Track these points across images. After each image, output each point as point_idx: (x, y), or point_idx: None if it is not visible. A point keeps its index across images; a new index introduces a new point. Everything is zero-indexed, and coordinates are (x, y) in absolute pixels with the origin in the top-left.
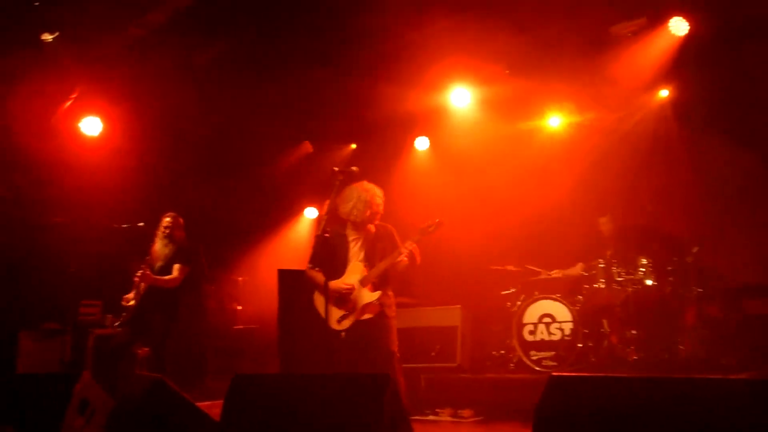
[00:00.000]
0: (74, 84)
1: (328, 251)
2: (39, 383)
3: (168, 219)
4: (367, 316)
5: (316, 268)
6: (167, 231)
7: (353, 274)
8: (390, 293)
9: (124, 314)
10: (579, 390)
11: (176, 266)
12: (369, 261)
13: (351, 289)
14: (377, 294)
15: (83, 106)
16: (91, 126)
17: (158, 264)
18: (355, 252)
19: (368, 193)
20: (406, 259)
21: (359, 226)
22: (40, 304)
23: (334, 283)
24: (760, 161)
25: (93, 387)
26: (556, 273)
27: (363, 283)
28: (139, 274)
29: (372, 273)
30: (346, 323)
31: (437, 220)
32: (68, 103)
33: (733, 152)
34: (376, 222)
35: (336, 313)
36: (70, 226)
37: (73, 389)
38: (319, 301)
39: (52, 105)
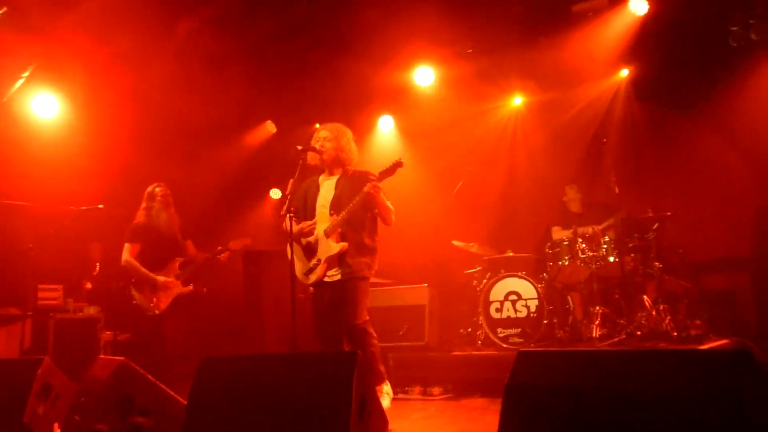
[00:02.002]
0: (26, 62)
1: (301, 199)
2: (1, 369)
3: (161, 188)
4: (333, 275)
5: (289, 215)
6: (169, 198)
7: (320, 223)
8: (364, 249)
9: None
10: (547, 364)
11: (190, 242)
12: (335, 207)
13: (311, 231)
14: (339, 246)
15: (37, 84)
16: (46, 105)
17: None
18: (323, 198)
19: (339, 131)
20: (371, 191)
21: (332, 168)
22: None
23: (299, 226)
24: (718, 137)
25: (55, 372)
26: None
27: (327, 232)
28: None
29: (336, 220)
30: (312, 277)
31: (397, 160)
32: (21, 81)
33: (692, 129)
34: (350, 167)
35: (304, 265)
36: (27, 209)
37: (35, 375)
38: (291, 251)
39: (4, 83)
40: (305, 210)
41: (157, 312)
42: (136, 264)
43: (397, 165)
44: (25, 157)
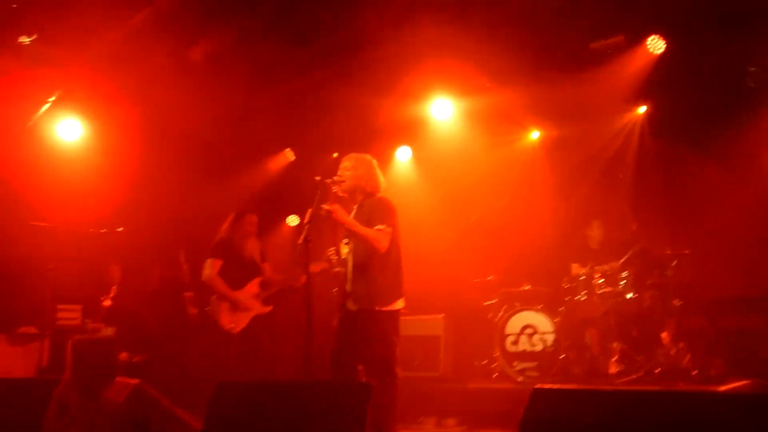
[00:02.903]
0: (53, 87)
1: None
2: (17, 388)
3: (251, 215)
4: (350, 305)
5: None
6: (255, 227)
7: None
8: (375, 279)
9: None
10: (563, 403)
11: (267, 264)
12: (348, 236)
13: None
14: (349, 273)
15: (62, 109)
16: (70, 129)
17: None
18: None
19: (359, 161)
20: (323, 212)
21: (354, 198)
22: (17, 308)
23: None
24: (736, 176)
25: (72, 392)
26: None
27: (344, 264)
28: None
29: (345, 250)
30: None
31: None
32: (46, 106)
33: (710, 167)
34: (368, 194)
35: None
36: (47, 230)
37: (52, 394)
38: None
39: (30, 108)
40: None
41: (234, 331)
42: (219, 280)
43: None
44: (49, 180)
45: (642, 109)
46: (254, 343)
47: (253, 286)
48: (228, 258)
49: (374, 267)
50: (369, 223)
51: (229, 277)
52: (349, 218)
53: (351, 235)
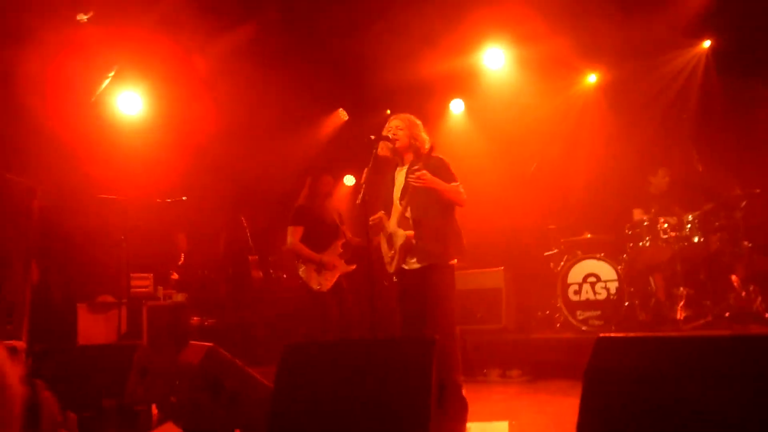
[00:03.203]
0: (111, 62)
1: (383, 195)
2: (100, 354)
3: (326, 176)
4: (412, 263)
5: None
6: (332, 188)
7: (393, 215)
8: (439, 234)
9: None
10: (628, 351)
11: (346, 227)
12: (402, 196)
13: (381, 224)
14: (405, 234)
15: (122, 84)
16: (131, 103)
17: (333, 219)
18: (397, 189)
19: (410, 121)
20: (414, 182)
21: (405, 158)
22: (93, 279)
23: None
24: None
25: (151, 356)
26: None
27: (398, 222)
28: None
29: (401, 208)
30: (393, 266)
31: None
32: (107, 81)
33: None
34: (425, 154)
35: (386, 255)
36: (116, 203)
37: (133, 358)
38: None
39: (92, 83)
40: (386, 205)
41: (324, 290)
42: (301, 246)
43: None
44: (114, 153)
45: (706, 44)
46: (340, 300)
47: (336, 247)
48: (308, 223)
49: (445, 223)
50: (447, 179)
51: (312, 241)
52: (439, 180)
53: (431, 194)
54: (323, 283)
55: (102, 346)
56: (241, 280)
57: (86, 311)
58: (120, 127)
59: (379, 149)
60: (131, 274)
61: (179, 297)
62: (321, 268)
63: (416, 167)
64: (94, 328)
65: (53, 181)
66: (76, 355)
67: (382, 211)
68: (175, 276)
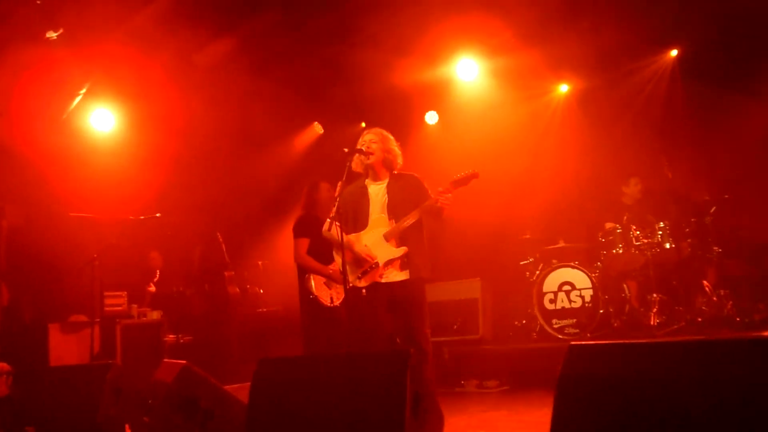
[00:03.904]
0: (83, 79)
1: (348, 206)
2: (72, 375)
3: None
4: (393, 276)
5: (335, 223)
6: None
7: (377, 227)
8: (424, 250)
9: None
10: (600, 357)
11: None
12: (393, 212)
13: (367, 257)
14: (402, 250)
15: (94, 101)
16: (103, 120)
17: None
18: (376, 203)
19: (383, 135)
20: (438, 203)
21: (378, 172)
22: (66, 298)
23: (350, 238)
24: None
25: (124, 375)
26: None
27: (387, 237)
28: None
29: (401, 225)
30: (365, 280)
31: (472, 171)
32: (79, 98)
33: (748, 107)
34: (398, 170)
35: (355, 270)
36: (88, 220)
37: (105, 378)
38: (337, 259)
39: (64, 100)
40: (355, 217)
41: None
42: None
43: (473, 176)
44: (86, 170)
45: (673, 53)
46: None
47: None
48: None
49: (422, 238)
50: (419, 199)
51: (318, 253)
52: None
53: (429, 214)
54: (335, 297)
55: (74, 366)
56: (217, 297)
57: (58, 331)
58: (93, 144)
59: (353, 163)
60: (105, 293)
61: (154, 315)
62: (331, 281)
63: (441, 189)
64: (66, 348)
65: (22, 199)
66: (48, 376)
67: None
68: (152, 288)
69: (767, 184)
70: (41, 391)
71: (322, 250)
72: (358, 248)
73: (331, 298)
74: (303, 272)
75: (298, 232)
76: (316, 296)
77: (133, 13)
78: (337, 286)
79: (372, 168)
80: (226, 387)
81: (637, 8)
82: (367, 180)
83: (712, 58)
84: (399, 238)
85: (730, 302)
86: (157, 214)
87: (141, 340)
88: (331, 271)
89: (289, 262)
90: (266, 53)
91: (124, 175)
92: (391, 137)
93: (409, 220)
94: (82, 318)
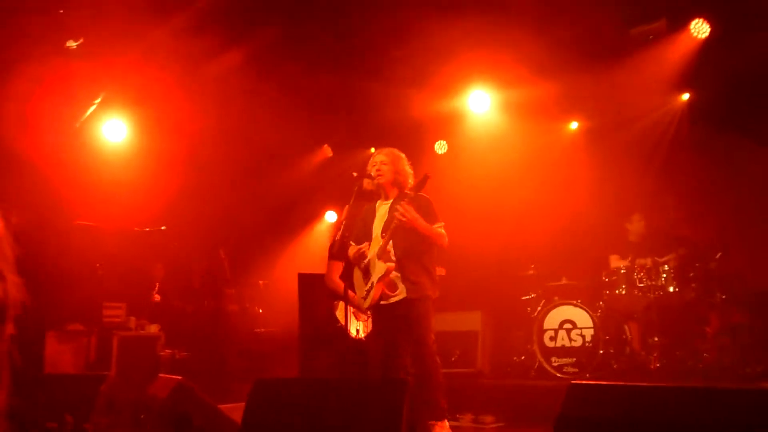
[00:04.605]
0: (98, 89)
1: (360, 226)
2: (66, 383)
3: None
4: (389, 297)
5: (345, 240)
6: None
7: (374, 246)
8: (423, 268)
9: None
10: (599, 398)
11: None
12: (385, 229)
13: (363, 255)
14: (386, 266)
15: (107, 111)
16: (116, 130)
17: None
18: (378, 221)
19: (394, 155)
20: (400, 216)
21: (388, 192)
22: (65, 306)
23: (353, 250)
24: None
25: (118, 388)
26: None
27: (378, 255)
28: None
29: (383, 242)
30: (368, 302)
31: (423, 175)
32: (92, 108)
33: (757, 154)
34: (407, 191)
35: (360, 291)
36: (93, 229)
37: (99, 390)
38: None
39: (77, 110)
40: (364, 236)
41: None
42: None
43: (425, 179)
44: (95, 180)
45: (685, 97)
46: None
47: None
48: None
49: (428, 258)
50: (428, 216)
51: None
52: (424, 222)
53: (416, 234)
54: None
55: (69, 375)
56: (216, 314)
57: (55, 339)
58: (104, 154)
59: (364, 183)
60: (104, 303)
61: (152, 328)
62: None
63: (403, 201)
64: (62, 356)
65: (29, 206)
66: (42, 383)
67: (367, 243)
68: (157, 298)
69: None
70: (34, 398)
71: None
72: (353, 252)
73: (357, 330)
74: (333, 297)
75: (332, 254)
76: (342, 326)
77: (150, 25)
78: (366, 316)
79: (383, 188)
80: (220, 406)
81: (651, 54)
82: (378, 201)
83: (723, 104)
84: (395, 257)
85: (732, 350)
86: (162, 228)
87: (137, 353)
88: (353, 299)
89: (289, 284)
90: (281, 75)
91: (132, 186)
92: (403, 156)
93: (387, 238)
94: (80, 327)
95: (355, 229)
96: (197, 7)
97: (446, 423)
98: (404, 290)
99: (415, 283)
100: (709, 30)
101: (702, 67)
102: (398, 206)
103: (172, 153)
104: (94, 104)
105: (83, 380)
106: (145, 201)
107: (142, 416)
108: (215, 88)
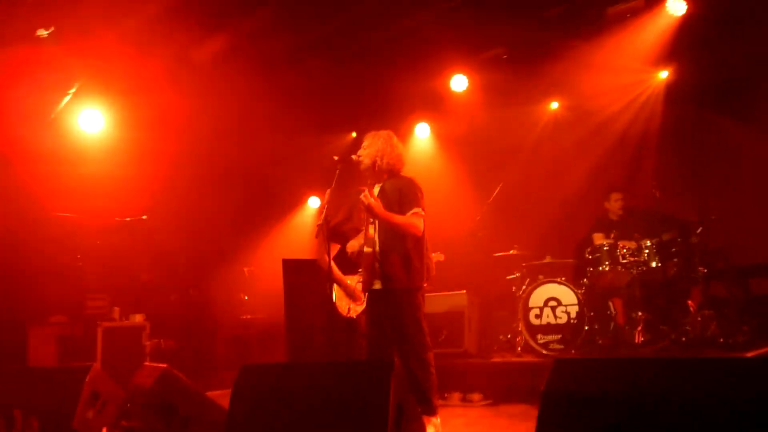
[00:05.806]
0: (73, 79)
1: (348, 209)
2: (50, 376)
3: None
4: (376, 284)
5: (325, 224)
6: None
7: (363, 234)
8: (406, 257)
9: None
10: (584, 373)
11: None
12: (370, 216)
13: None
14: (372, 254)
15: (83, 101)
16: (92, 120)
17: None
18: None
19: (374, 138)
20: (361, 205)
21: (374, 176)
22: (47, 298)
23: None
24: (764, 138)
25: (103, 379)
26: None
27: (366, 242)
28: None
29: (365, 229)
30: (364, 286)
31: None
32: (67, 99)
33: (736, 130)
34: (398, 171)
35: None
36: (74, 221)
37: (84, 381)
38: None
39: (52, 100)
40: (356, 220)
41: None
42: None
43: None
44: (73, 171)
45: (663, 74)
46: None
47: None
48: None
49: (408, 247)
50: (401, 206)
51: (347, 260)
52: (385, 212)
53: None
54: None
55: (53, 368)
56: (201, 302)
57: (38, 331)
58: (81, 145)
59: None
60: (87, 294)
61: (137, 318)
62: (351, 293)
63: (365, 187)
64: (45, 349)
65: (5, 198)
66: (26, 376)
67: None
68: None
69: (754, 206)
70: (18, 392)
71: (347, 258)
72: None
73: (349, 309)
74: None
75: (333, 235)
76: (334, 303)
77: (126, 11)
78: (358, 297)
79: (367, 173)
80: (208, 393)
81: (629, 31)
82: (369, 182)
83: (703, 81)
84: (376, 243)
85: (714, 323)
86: (144, 217)
87: (122, 343)
88: (348, 284)
89: (274, 270)
90: (259, 58)
91: (112, 177)
92: (387, 135)
93: (366, 225)
94: (63, 319)
95: (340, 212)
96: None
97: (437, 420)
98: (382, 281)
99: (390, 276)
100: (686, 7)
101: (681, 44)
102: (362, 196)
103: (151, 142)
104: (69, 94)
105: (68, 372)
106: (125, 191)
107: (129, 406)
108: (194, 76)
